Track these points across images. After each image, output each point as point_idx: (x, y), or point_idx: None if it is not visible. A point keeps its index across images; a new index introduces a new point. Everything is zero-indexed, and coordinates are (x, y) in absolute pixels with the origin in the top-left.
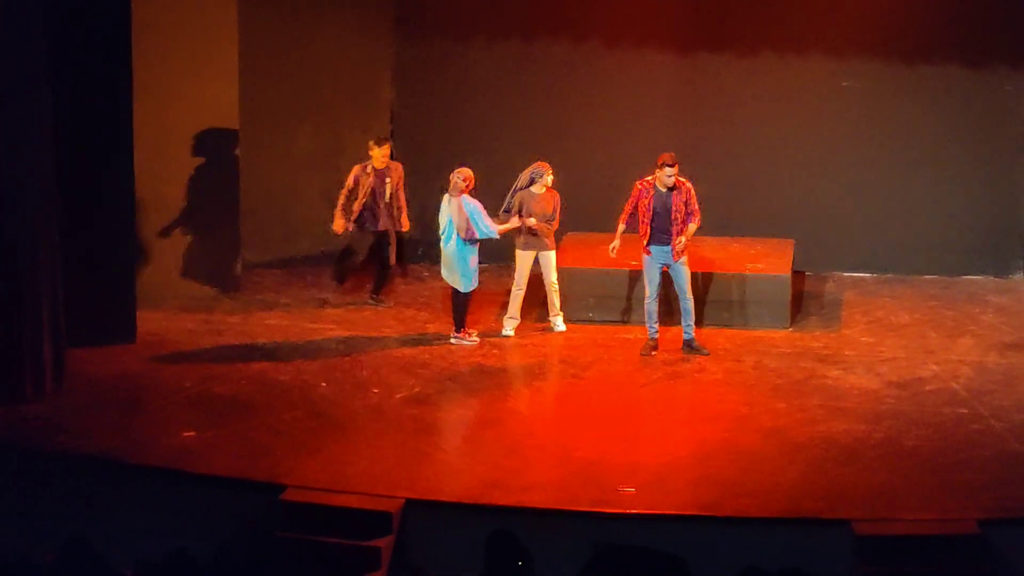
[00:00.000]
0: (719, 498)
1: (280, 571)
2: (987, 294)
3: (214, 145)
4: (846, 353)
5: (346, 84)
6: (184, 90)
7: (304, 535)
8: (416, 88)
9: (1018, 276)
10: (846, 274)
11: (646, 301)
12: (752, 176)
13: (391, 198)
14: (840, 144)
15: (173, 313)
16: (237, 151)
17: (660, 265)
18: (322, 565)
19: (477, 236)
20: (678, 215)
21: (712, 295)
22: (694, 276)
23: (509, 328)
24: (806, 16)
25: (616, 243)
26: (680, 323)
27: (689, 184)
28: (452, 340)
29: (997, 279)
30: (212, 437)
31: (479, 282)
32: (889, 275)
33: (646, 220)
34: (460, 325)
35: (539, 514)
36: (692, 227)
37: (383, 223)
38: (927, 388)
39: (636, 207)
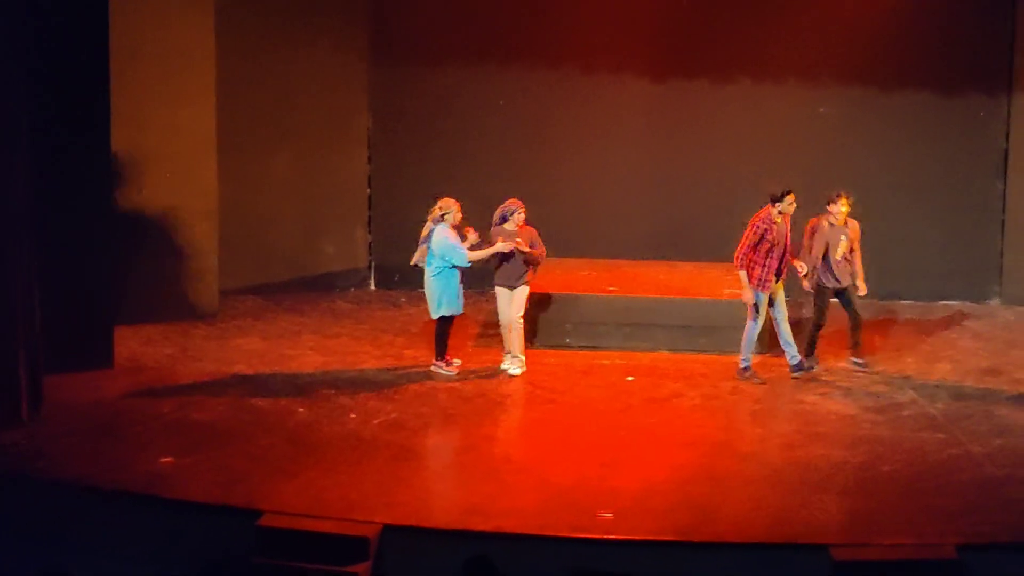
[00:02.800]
0: (697, 523)
1: None
2: (964, 319)
3: (192, 171)
4: (823, 378)
5: (323, 110)
6: (161, 116)
7: (281, 560)
8: (393, 114)
9: (994, 301)
10: None
11: (754, 333)
12: (727, 201)
13: (843, 256)
14: (817, 170)
15: (150, 339)
16: (215, 177)
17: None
18: None
19: (460, 264)
20: (787, 244)
21: (689, 320)
22: (671, 302)
23: (512, 367)
24: (783, 43)
25: (751, 294)
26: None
27: None
28: (432, 368)
29: (973, 304)
30: (189, 463)
31: (454, 309)
32: (866, 300)
33: (774, 254)
34: (439, 354)
35: (517, 539)
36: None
37: (843, 279)
38: (904, 413)
39: (758, 246)
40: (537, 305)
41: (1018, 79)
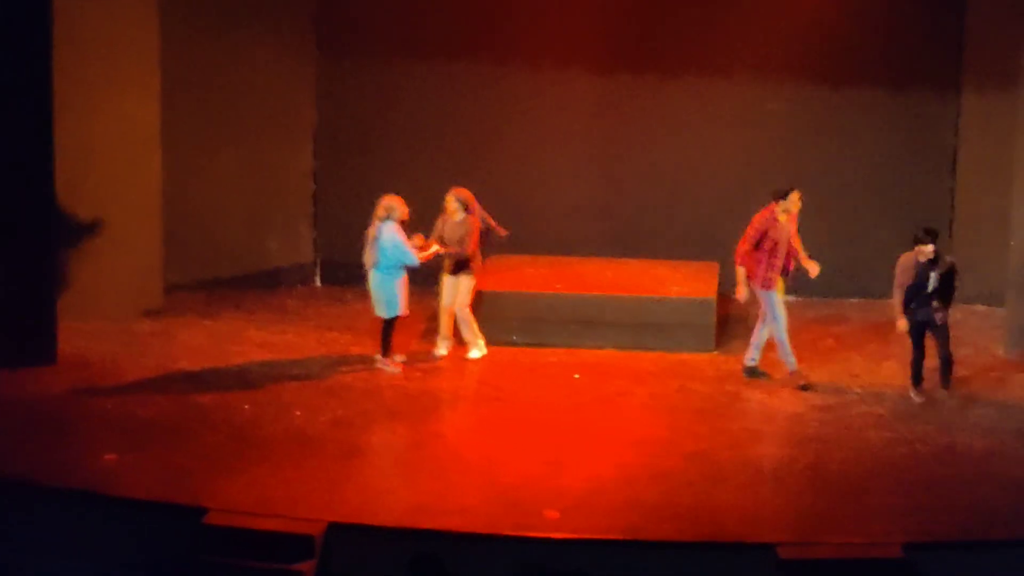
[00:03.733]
0: (643, 522)
1: None
2: None
3: (136, 165)
4: (771, 376)
5: (269, 105)
6: (106, 109)
7: (226, 558)
8: (339, 109)
9: None
10: None
11: (782, 333)
12: (676, 198)
13: (934, 290)
14: (765, 166)
15: (95, 334)
16: (159, 171)
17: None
18: None
19: (408, 263)
20: (792, 241)
21: (636, 318)
22: (619, 299)
23: (442, 348)
24: (732, 39)
25: (746, 291)
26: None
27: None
28: (377, 363)
29: None
30: (134, 460)
31: (404, 309)
32: (814, 298)
33: (778, 252)
34: (385, 350)
35: (463, 538)
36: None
37: (927, 313)
38: (852, 412)
39: (760, 241)
40: (483, 302)
41: (967, 77)
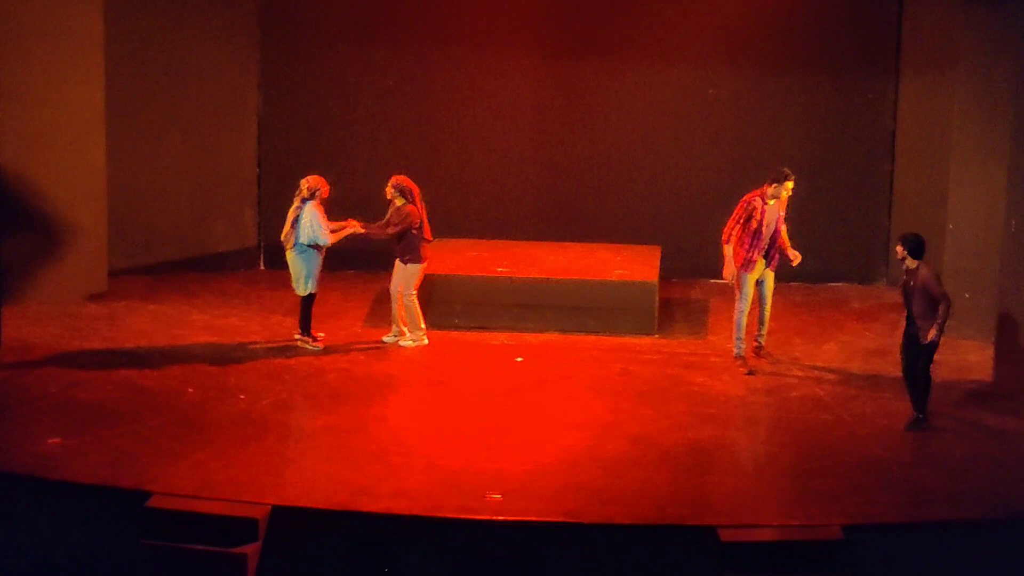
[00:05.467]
0: (585, 505)
1: None
2: (851, 301)
3: (80, 150)
4: (712, 359)
5: (212, 89)
6: (50, 94)
7: (170, 542)
8: (283, 93)
9: (881, 283)
10: (712, 281)
11: (741, 315)
12: (619, 182)
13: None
14: (707, 151)
15: (38, 318)
16: (103, 156)
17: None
18: (188, 572)
19: (319, 242)
20: (779, 226)
21: (578, 301)
22: (561, 283)
23: (389, 335)
24: (674, 23)
25: (734, 270)
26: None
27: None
28: (297, 341)
29: (861, 286)
30: (77, 444)
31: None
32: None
33: (762, 235)
34: (304, 328)
35: (405, 521)
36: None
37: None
38: (792, 394)
39: (746, 223)
40: (426, 286)
41: (905, 61)
